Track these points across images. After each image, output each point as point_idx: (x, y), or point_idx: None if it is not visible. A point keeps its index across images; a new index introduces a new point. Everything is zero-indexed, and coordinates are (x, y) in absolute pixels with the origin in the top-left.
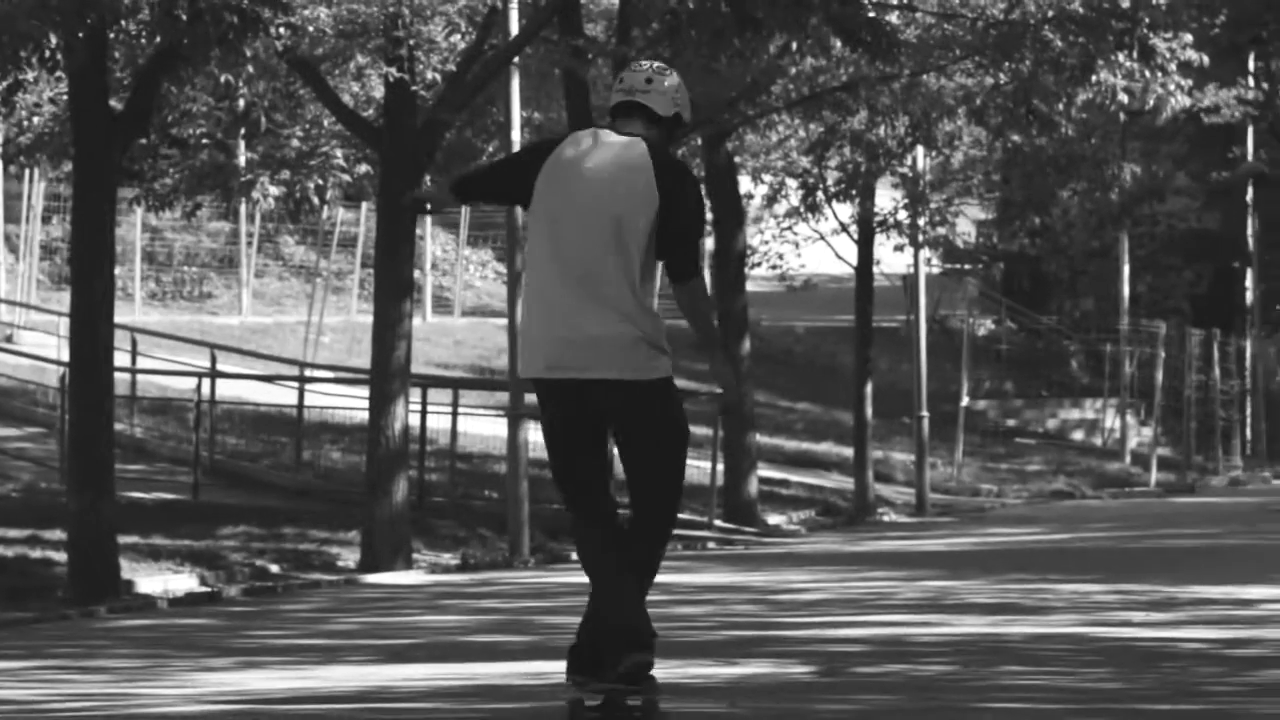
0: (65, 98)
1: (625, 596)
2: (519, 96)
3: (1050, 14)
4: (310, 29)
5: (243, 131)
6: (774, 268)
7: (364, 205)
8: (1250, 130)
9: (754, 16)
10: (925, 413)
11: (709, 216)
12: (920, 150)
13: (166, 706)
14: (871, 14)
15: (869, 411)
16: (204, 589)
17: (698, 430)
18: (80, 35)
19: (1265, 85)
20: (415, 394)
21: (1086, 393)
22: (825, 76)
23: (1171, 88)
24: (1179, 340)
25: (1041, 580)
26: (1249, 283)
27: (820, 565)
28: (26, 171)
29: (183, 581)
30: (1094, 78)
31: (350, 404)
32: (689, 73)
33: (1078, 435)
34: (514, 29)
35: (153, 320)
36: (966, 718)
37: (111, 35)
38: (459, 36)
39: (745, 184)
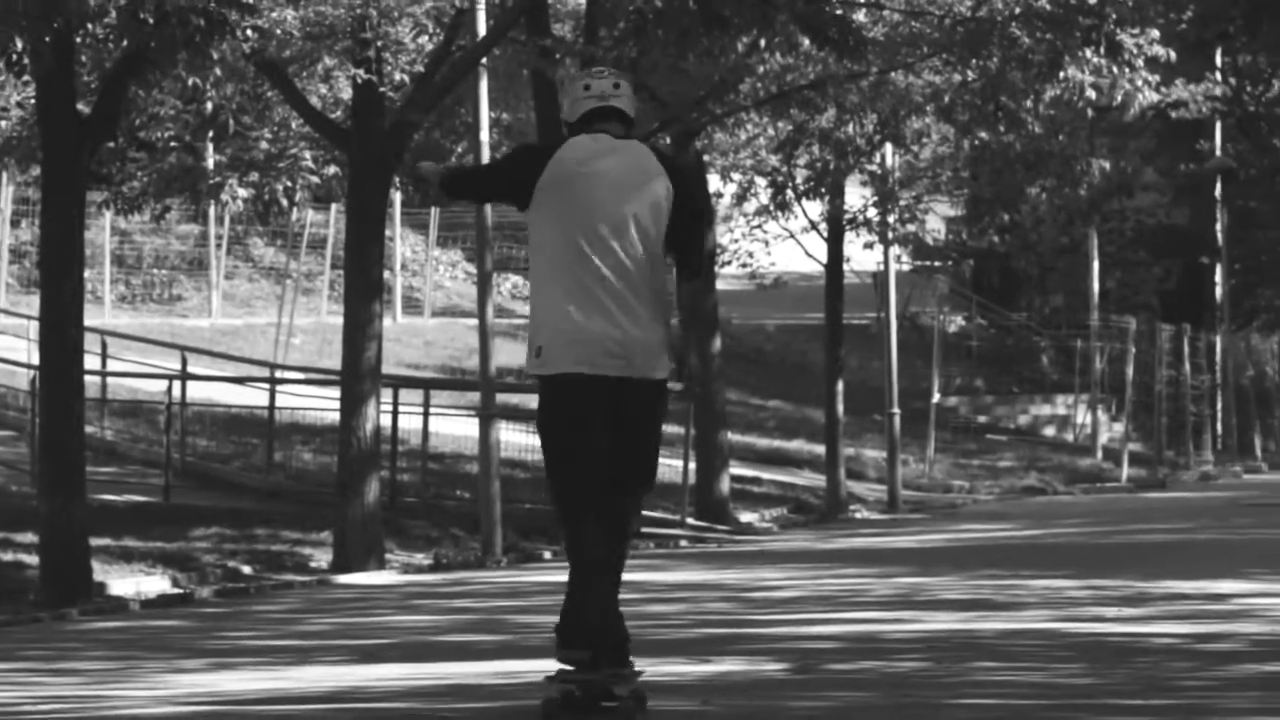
0: (33, 101)
1: (610, 601)
2: (487, 97)
3: (1017, 11)
4: (277, 31)
5: (211, 134)
6: (744, 266)
7: (333, 207)
8: (1218, 125)
9: (721, 15)
10: (896, 410)
11: None
12: (889, 148)
13: (139, 708)
14: (839, 11)
15: (840, 409)
16: (176, 591)
17: (669, 429)
18: (47, 39)
19: (1232, 81)
20: (386, 394)
21: (1057, 389)
22: (793, 75)
23: (1139, 83)
24: (1149, 336)
25: (1014, 576)
26: (1218, 278)
27: (793, 563)
28: None
29: (155, 583)
30: (1061, 74)
31: (321, 405)
32: (656, 72)
33: (1049, 431)
34: (481, 30)
35: (123, 323)
36: (940, 714)
37: (78, 39)
38: (427, 38)
39: (714, 183)
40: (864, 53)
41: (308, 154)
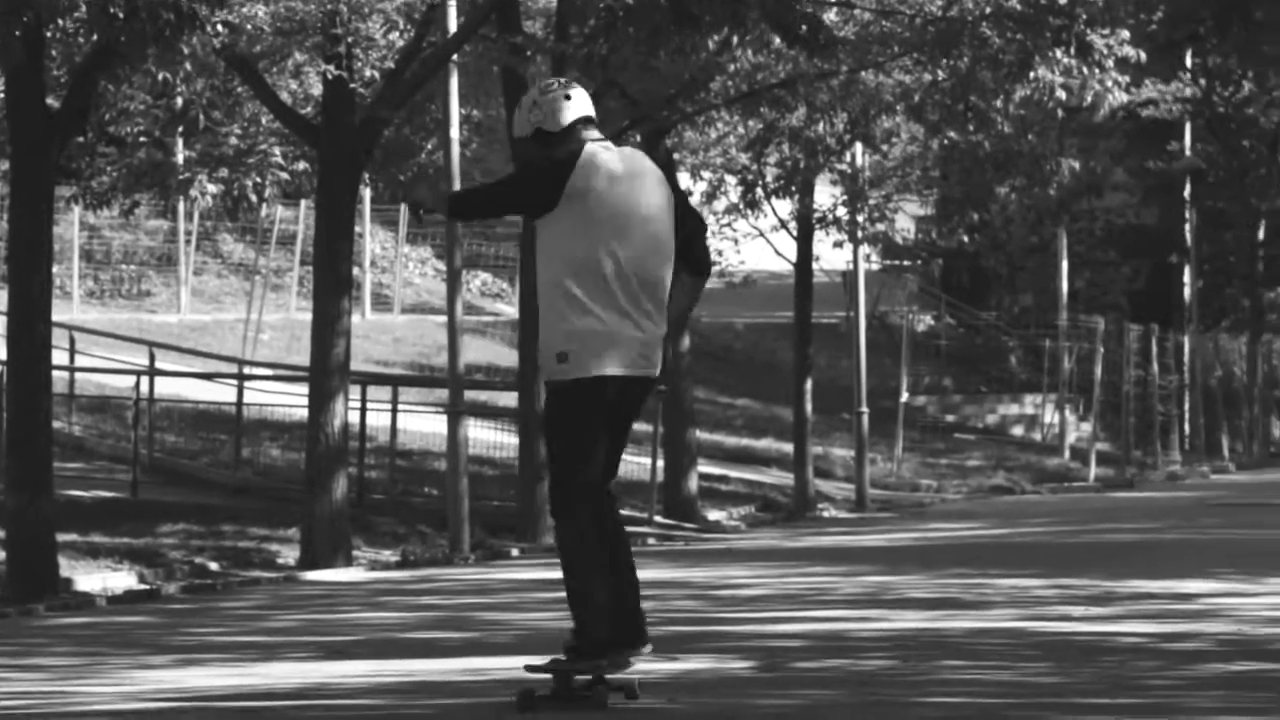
0: (1, 96)
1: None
2: (457, 94)
3: (988, 10)
4: (248, 26)
5: (181, 129)
6: (713, 264)
7: (303, 203)
8: (1188, 126)
9: (691, 12)
10: (865, 409)
11: None
12: (859, 147)
13: (105, 704)
14: (809, 10)
15: (809, 407)
16: (143, 587)
17: (638, 426)
18: (16, 33)
19: (1202, 82)
20: (355, 391)
21: (1025, 388)
22: (764, 73)
23: (1109, 84)
24: (1117, 335)
25: (981, 575)
26: (1187, 278)
27: (760, 561)
28: None
29: (122, 579)
30: (1032, 74)
31: (289, 401)
32: (627, 69)
33: (1017, 431)
34: (452, 26)
35: (91, 318)
36: (907, 712)
37: (48, 33)
38: (397, 34)
39: (684, 181)
40: (834, 51)
41: (277, 150)
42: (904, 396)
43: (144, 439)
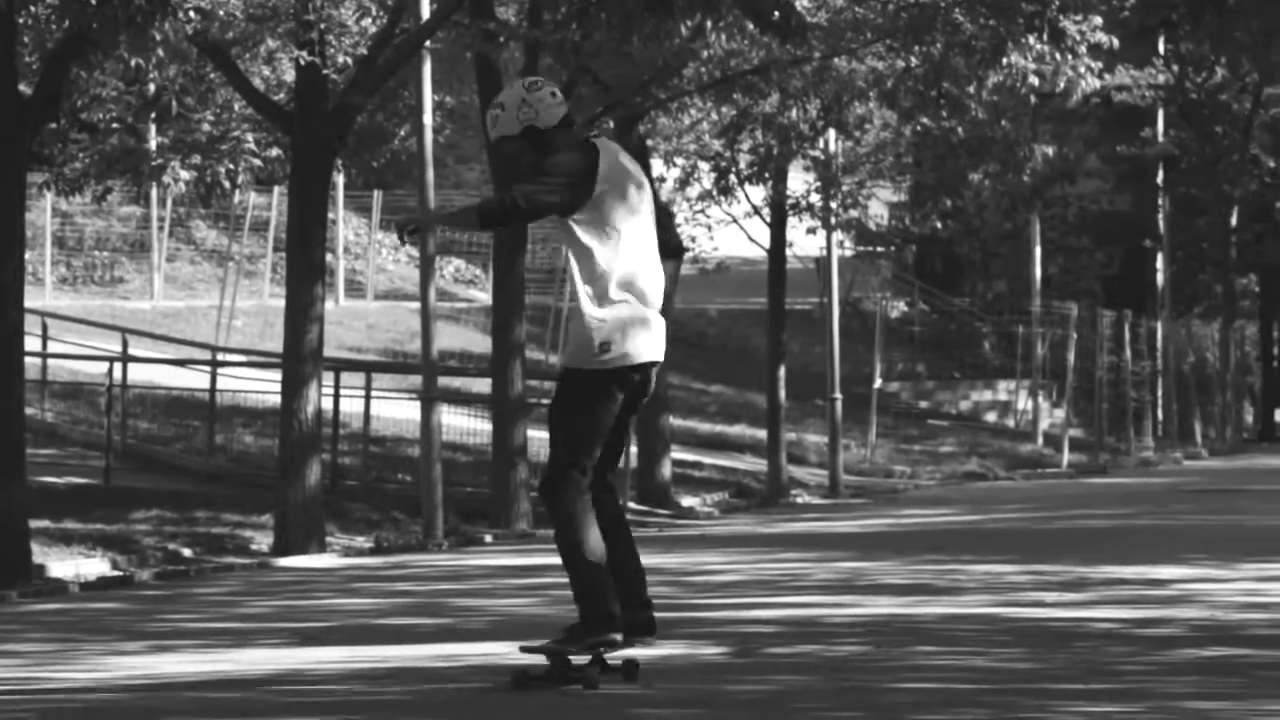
0: None
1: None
2: (430, 80)
3: None
4: (220, 12)
5: (153, 116)
6: (686, 250)
7: (276, 189)
8: (1160, 113)
9: None
10: (838, 395)
11: None
12: (832, 133)
13: (78, 690)
14: None
15: (782, 394)
16: (116, 573)
17: None
18: None
19: (1175, 68)
20: (328, 377)
21: (999, 374)
22: (737, 60)
23: (1082, 70)
24: (1090, 322)
25: (954, 561)
26: (1160, 264)
27: (734, 547)
28: None
29: (95, 565)
30: (1004, 60)
31: (263, 388)
32: (600, 56)
33: (990, 417)
34: (425, 13)
35: (63, 305)
36: (880, 698)
37: (20, 19)
38: (370, 20)
39: (658, 167)
40: (806, 37)
41: (250, 136)
42: (877, 383)
43: (117, 425)
